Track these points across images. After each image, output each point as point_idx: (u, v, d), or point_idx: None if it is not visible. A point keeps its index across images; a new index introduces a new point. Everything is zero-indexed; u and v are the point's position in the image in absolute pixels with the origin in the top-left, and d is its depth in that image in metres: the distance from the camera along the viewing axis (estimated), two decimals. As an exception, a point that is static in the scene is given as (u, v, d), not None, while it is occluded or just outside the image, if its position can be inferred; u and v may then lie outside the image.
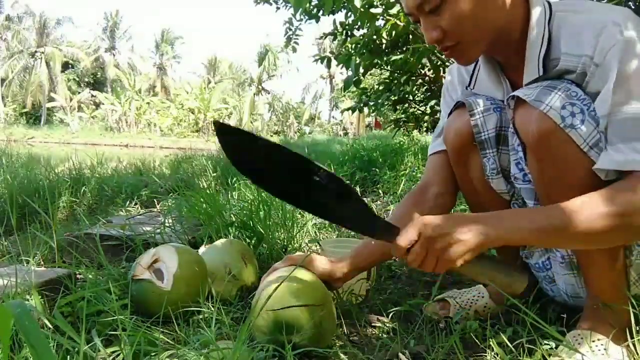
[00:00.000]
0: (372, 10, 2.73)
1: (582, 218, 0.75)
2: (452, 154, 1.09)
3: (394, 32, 2.93)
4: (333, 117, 45.39)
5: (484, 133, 1.00)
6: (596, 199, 0.76)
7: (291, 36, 3.66)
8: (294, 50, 3.83)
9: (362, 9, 2.69)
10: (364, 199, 2.93)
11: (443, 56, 0.92)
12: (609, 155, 0.78)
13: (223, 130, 0.82)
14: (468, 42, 0.88)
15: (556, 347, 0.88)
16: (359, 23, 2.97)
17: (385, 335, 1.03)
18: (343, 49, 3.46)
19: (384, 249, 1.07)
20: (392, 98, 3.55)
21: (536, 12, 0.89)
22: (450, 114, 1.08)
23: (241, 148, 0.82)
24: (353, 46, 3.15)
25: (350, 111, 3.75)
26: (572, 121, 0.80)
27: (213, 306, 1.21)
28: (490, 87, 1.04)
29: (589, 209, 0.75)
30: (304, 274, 1.01)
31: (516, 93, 0.86)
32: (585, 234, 0.76)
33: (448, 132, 1.08)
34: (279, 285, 0.91)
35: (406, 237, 0.80)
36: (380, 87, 3.71)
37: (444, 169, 1.14)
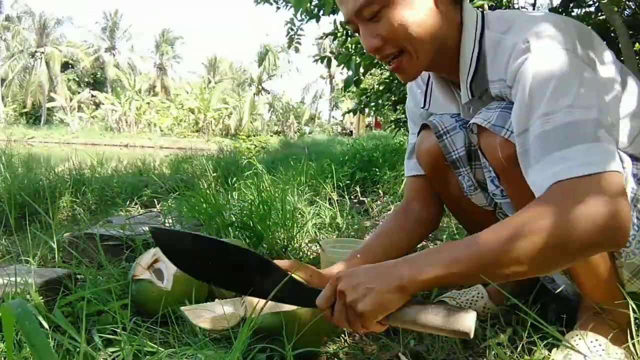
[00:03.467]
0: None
1: (499, 242, 0.70)
2: (429, 174, 1.10)
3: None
4: (333, 117, 45.39)
5: (454, 152, 1.01)
6: (508, 222, 0.72)
7: (293, 36, 3.65)
8: (297, 50, 3.81)
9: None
10: (364, 199, 2.93)
11: (387, 69, 0.92)
12: (530, 178, 0.75)
13: (158, 236, 0.88)
14: (409, 52, 0.86)
15: (556, 348, 0.88)
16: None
17: (385, 336, 1.03)
18: (343, 49, 3.46)
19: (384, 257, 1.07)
20: (392, 98, 3.54)
21: (468, 28, 0.88)
22: (418, 133, 1.09)
23: (177, 248, 0.87)
24: (353, 46, 3.15)
25: (350, 109, 3.75)
26: None
27: (213, 306, 1.21)
28: (445, 104, 1.03)
29: (503, 231, 0.71)
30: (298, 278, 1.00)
31: (475, 120, 0.86)
32: (510, 257, 0.69)
33: (420, 153, 1.09)
34: (277, 289, 0.91)
35: (323, 296, 0.77)
36: (381, 87, 3.70)
37: (422, 188, 1.15)
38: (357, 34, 0.90)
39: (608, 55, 0.86)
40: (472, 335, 0.71)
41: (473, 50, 0.87)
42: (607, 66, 0.84)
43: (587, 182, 0.68)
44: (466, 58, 0.88)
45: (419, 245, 1.40)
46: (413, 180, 1.17)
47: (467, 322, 0.71)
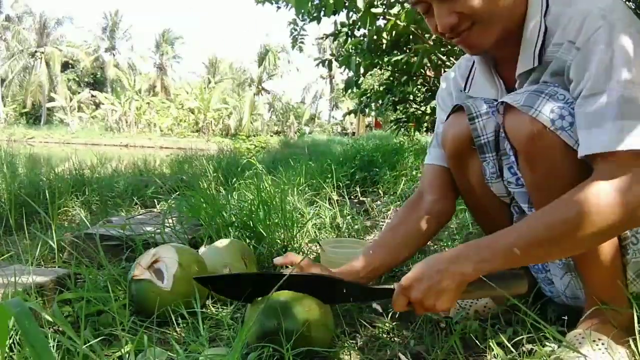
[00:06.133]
0: (373, 10, 2.73)
1: (555, 221, 0.76)
2: (451, 159, 1.09)
3: (394, 32, 2.93)
4: (333, 117, 45.40)
5: (484, 137, 1.00)
6: (563, 200, 0.77)
7: (297, 36, 3.65)
8: (301, 50, 3.81)
9: (363, 9, 2.69)
10: (364, 199, 2.93)
11: (452, 45, 0.94)
12: (594, 137, 0.77)
13: (204, 281, 1.02)
14: (482, 24, 0.88)
15: (557, 348, 0.88)
16: (360, 23, 2.97)
17: (385, 335, 1.03)
18: (343, 50, 3.46)
19: (379, 262, 1.08)
20: (393, 99, 3.55)
21: (534, 4, 0.91)
22: (447, 118, 1.08)
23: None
24: (353, 47, 3.15)
25: (350, 110, 3.75)
26: (561, 124, 0.81)
27: (213, 306, 1.21)
28: (485, 87, 1.04)
29: (558, 210, 0.77)
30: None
31: (504, 99, 0.87)
32: (562, 235, 0.76)
33: (446, 136, 1.07)
34: (278, 286, 0.91)
35: (399, 304, 0.88)
36: (381, 88, 3.71)
37: (439, 177, 1.14)
38: (424, 15, 0.94)
39: None
40: (525, 291, 0.88)
41: (541, 22, 0.89)
42: None
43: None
44: (533, 28, 0.90)
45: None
46: (432, 169, 1.16)
47: (521, 282, 0.87)
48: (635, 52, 0.77)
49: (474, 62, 1.09)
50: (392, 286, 0.90)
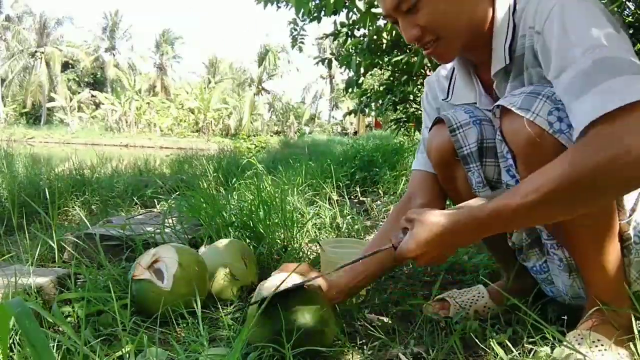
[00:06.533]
0: (373, 10, 2.73)
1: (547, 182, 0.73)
2: (437, 170, 1.11)
3: (394, 32, 2.93)
4: (333, 117, 45.40)
5: (466, 147, 1.00)
6: (559, 160, 0.73)
7: (296, 36, 3.64)
8: (301, 50, 3.80)
9: (364, 10, 2.69)
10: (364, 199, 2.93)
11: (424, 53, 0.96)
12: (575, 109, 0.74)
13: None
14: (446, 38, 0.92)
15: (557, 348, 0.88)
16: (361, 23, 2.97)
17: (385, 336, 1.03)
18: (344, 50, 3.45)
19: (379, 267, 1.08)
20: (393, 99, 3.54)
21: (501, 5, 0.93)
22: (431, 128, 1.09)
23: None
24: (353, 47, 3.15)
25: (350, 110, 3.74)
26: (560, 126, 0.80)
27: (213, 306, 1.21)
28: (465, 91, 1.06)
29: (551, 170, 0.73)
30: (302, 278, 1.01)
31: (501, 102, 0.87)
32: (555, 196, 0.72)
33: (430, 148, 1.09)
34: (279, 286, 0.91)
35: (407, 255, 0.87)
36: (381, 88, 3.70)
37: (427, 183, 1.15)
38: (396, 26, 0.96)
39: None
40: None
41: (509, 20, 0.91)
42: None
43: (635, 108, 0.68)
44: (502, 27, 0.92)
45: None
46: (420, 175, 1.17)
47: None
48: (588, 19, 0.77)
49: (453, 69, 1.11)
50: (388, 246, 0.93)
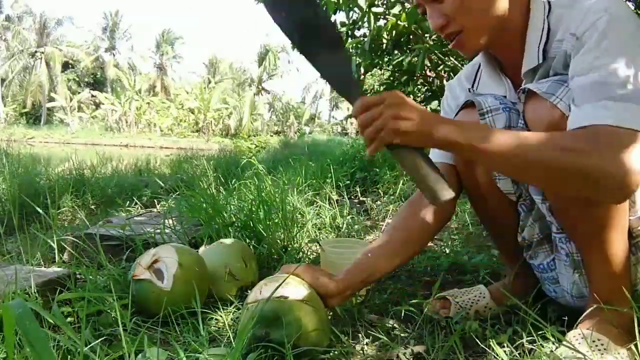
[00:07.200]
0: (374, 9, 2.73)
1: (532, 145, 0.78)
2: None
3: (394, 32, 2.93)
4: (333, 117, 45.40)
5: None
6: (551, 134, 0.79)
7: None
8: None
9: (366, 9, 2.69)
10: (364, 199, 2.93)
11: (449, 46, 0.97)
12: (575, 112, 0.79)
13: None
14: (470, 29, 0.92)
15: (557, 347, 0.88)
16: (361, 22, 2.97)
17: (385, 336, 1.03)
18: (343, 49, 3.45)
19: (375, 269, 1.06)
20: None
21: (536, 6, 0.94)
22: (457, 114, 1.08)
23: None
24: (353, 47, 3.15)
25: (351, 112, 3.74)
26: None
27: (213, 306, 1.21)
28: (493, 87, 1.05)
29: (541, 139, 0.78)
30: (298, 281, 1.00)
31: (528, 86, 0.88)
32: (551, 165, 0.77)
33: None
34: (279, 286, 0.91)
35: (370, 98, 0.83)
36: (381, 88, 3.70)
37: (443, 172, 1.14)
38: (425, 16, 0.97)
39: None
40: (440, 203, 0.85)
41: (544, 22, 0.93)
42: None
43: (625, 134, 0.74)
44: (536, 29, 0.93)
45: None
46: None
47: (446, 192, 0.85)
48: (627, 44, 0.79)
49: (479, 65, 1.11)
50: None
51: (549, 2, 0.94)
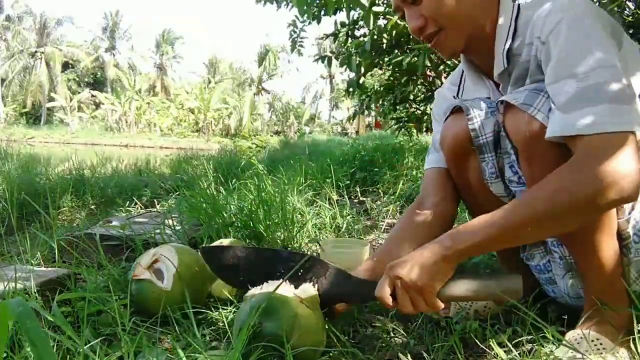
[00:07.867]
0: (375, 8, 2.73)
1: (536, 203, 0.79)
2: (450, 159, 1.10)
3: (394, 32, 2.93)
4: (333, 117, 45.40)
5: (482, 137, 1.00)
6: (544, 182, 0.79)
7: (296, 39, 3.63)
8: (300, 53, 3.80)
9: (368, 6, 2.69)
10: (364, 199, 2.93)
11: (428, 46, 1.00)
12: (556, 119, 0.79)
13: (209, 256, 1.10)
14: (448, 29, 0.96)
15: (556, 347, 0.88)
16: (362, 22, 2.97)
17: (385, 335, 1.03)
18: (344, 50, 3.45)
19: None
20: (393, 100, 3.55)
21: (504, 8, 0.97)
22: (446, 119, 1.09)
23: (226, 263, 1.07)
24: (354, 47, 3.16)
25: (352, 113, 3.75)
26: None
27: (213, 306, 1.21)
28: (476, 90, 1.07)
29: (539, 191, 0.79)
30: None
31: (504, 98, 0.89)
32: (544, 216, 0.78)
33: (445, 136, 1.08)
34: (278, 286, 0.91)
35: (382, 287, 0.88)
36: (381, 88, 3.71)
37: (440, 179, 1.15)
38: (404, 19, 1.02)
39: (628, 39, 0.89)
40: (521, 295, 0.85)
41: (510, 24, 0.95)
42: (628, 48, 0.87)
43: (615, 138, 0.74)
44: (503, 31, 0.96)
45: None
46: (432, 172, 1.17)
47: (516, 282, 0.85)
48: (587, 41, 0.80)
49: (462, 71, 1.14)
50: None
51: (518, 5, 0.97)
